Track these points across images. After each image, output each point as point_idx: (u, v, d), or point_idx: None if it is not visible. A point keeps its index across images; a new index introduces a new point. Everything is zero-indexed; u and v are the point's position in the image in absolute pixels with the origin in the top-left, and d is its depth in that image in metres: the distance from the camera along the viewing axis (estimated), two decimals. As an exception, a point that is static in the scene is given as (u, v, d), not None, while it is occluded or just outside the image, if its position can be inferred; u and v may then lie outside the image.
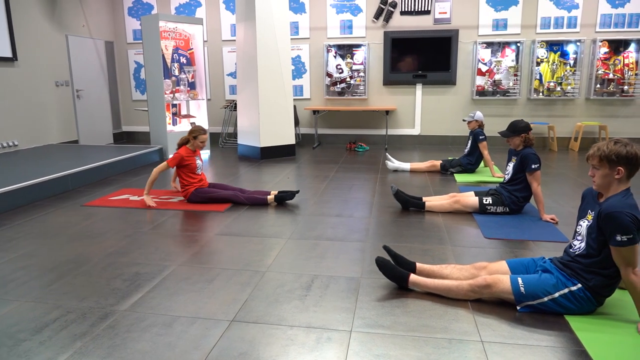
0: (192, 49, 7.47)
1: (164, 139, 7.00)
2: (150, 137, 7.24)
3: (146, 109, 7.47)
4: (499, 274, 2.37)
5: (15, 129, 6.75)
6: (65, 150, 6.76)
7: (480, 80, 7.78)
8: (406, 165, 5.79)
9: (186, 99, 7.40)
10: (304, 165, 6.34)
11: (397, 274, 2.51)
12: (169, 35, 7.16)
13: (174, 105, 7.39)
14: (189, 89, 7.42)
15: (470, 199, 3.92)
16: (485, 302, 2.39)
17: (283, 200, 4.27)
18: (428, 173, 5.67)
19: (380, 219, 3.82)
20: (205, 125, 7.49)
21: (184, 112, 7.57)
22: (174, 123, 7.40)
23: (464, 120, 5.94)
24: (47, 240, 3.42)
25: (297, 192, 4.32)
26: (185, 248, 3.20)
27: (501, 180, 5.09)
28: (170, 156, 4.42)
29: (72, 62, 7.73)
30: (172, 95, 7.17)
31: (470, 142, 5.59)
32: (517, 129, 3.76)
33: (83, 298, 2.49)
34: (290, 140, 6.95)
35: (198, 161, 4.41)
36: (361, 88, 8.09)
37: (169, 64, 7.17)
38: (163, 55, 6.91)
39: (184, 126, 7.46)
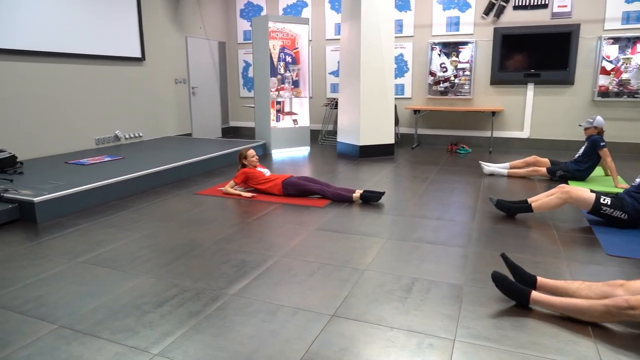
0: (297, 48, 7.72)
1: (268, 135, 7.33)
2: (255, 132, 7.63)
3: (252, 105, 7.87)
4: None
5: (140, 122, 7.51)
6: (181, 142, 7.37)
7: (603, 80, 7.04)
8: (503, 169, 5.45)
9: (290, 96, 7.67)
10: (402, 165, 6.25)
11: (516, 291, 2.31)
12: (277, 35, 7.47)
13: (278, 103, 7.69)
14: (292, 87, 7.68)
15: (584, 193, 3.54)
16: (610, 328, 2.15)
17: (368, 200, 4.27)
18: (532, 179, 5.27)
19: (484, 226, 3.65)
20: (306, 122, 7.71)
21: (287, 109, 7.85)
22: (278, 119, 7.71)
23: (580, 126, 5.42)
24: (165, 223, 3.76)
25: (383, 193, 4.30)
26: (287, 240, 3.33)
27: (621, 191, 4.57)
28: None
29: (190, 61, 8.39)
30: (277, 92, 7.47)
31: (584, 148, 5.09)
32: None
33: (197, 279, 2.70)
34: (390, 139, 6.89)
35: (261, 169, 4.73)
36: (466, 87, 7.76)
37: (275, 63, 7.48)
38: (270, 55, 7.22)
39: (287, 123, 7.75)
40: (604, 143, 4.94)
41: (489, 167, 5.55)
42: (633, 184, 3.56)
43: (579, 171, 5.07)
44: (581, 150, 5.14)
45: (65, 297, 2.51)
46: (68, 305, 2.42)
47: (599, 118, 5.08)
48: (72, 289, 2.60)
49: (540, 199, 3.79)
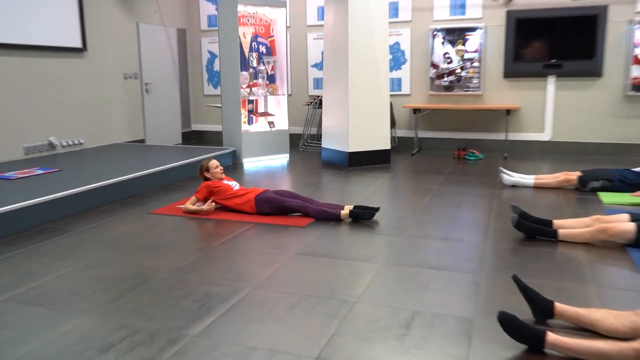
0: (273, 36, 7.78)
1: (238, 140, 7.34)
2: (222, 138, 7.63)
3: (219, 105, 7.88)
4: None
5: (81, 126, 7.47)
6: (131, 150, 7.33)
7: (637, 71, 7.23)
8: (528, 180, 5.52)
9: (264, 94, 7.71)
10: (401, 175, 6.29)
11: (527, 334, 2.31)
12: (248, 20, 7.53)
13: (251, 102, 7.73)
14: (267, 82, 7.73)
15: (622, 225, 3.63)
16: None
17: (360, 218, 4.30)
18: (560, 190, 5.36)
19: (499, 247, 3.69)
20: (285, 125, 7.74)
21: (261, 109, 7.89)
22: (250, 122, 7.74)
23: None
24: (112, 250, 3.73)
25: (377, 209, 4.35)
26: (262, 268, 3.33)
27: None
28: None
29: (142, 52, 8.40)
30: (248, 89, 7.51)
31: None
32: None
33: (150, 318, 2.68)
34: (385, 144, 6.96)
35: (228, 182, 4.78)
36: (475, 81, 7.89)
37: (246, 54, 7.53)
38: (240, 44, 7.27)
39: (261, 126, 7.77)
40: None
41: (510, 176, 5.58)
42: None
43: (630, 183, 5.06)
44: None
45: (-15, 343, 2.47)
46: (-11, 354, 2.38)
47: None
48: (-6, 333, 2.56)
49: (569, 225, 3.83)
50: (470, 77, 7.92)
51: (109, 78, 7.91)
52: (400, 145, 8.40)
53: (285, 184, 5.96)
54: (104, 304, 2.86)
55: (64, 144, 7.17)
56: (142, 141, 8.48)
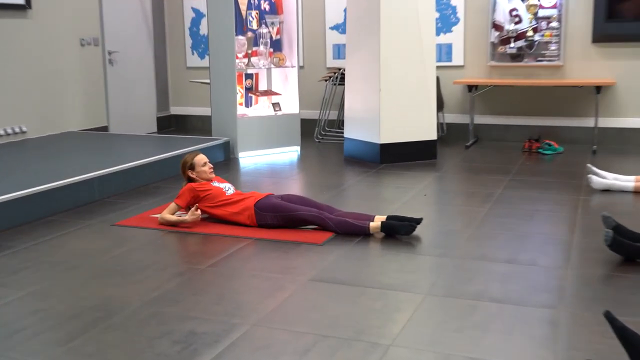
0: (279, -13, 7.80)
1: (232, 128, 7.36)
2: (211, 125, 7.66)
3: (207, 81, 7.92)
4: None
5: (23, 109, 7.55)
6: (90, 141, 7.40)
7: None
8: (627, 182, 5.47)
9: (268, 65, 7.73)
10: (450, 175, 6.25)
11: None
12: (245, -33, 7.55)
13: (249, 76, 7.74)
14: (271, 50, 7.74)
15: None
16: None
17: (395, 232, 4.29)
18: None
19: (584, 272, 3.66)
20: (295, 107, 7.76)
21: (263, 86, 7.90)
22: (248, 103, 7.75)
23: None
24: (66, 274, 3.75)
25: (419, 221, 4.35)
26: (264, 298, 3.32)
27: None
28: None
29: (105, 12, 8.48)
30: (246, 60, 7.53)
31: None
32: None
33: (115, 364, 2.70)
34: (429, 134, 6.93)
35: (219, 184, 4.80)
36: (552, 48, 7.83)
37: (243, 13, 7.54)
38: (236, 0, 7.27)
39: (263, 109, 7.79)
40: None
41: (602, 177, 5.54)
42: None
43: None
44: None
45: None
46: None
47: None
48: None
49: None
50: (547, 42, 7.86)
51: (61, 45, 7.99)
52: (449, 134, 8.36)
53: (295, 187, 5.96)
54: (54, 345, 2.87)
55: (1, 132, 7.26)
56: (105, 129, 8.55)
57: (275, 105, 7.76)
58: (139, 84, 9.05)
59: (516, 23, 7.95)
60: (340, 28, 8.71)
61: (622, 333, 2.56)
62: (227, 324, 3.03)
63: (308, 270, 3.73)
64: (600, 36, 7.70)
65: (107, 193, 5.54)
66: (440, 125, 8.27)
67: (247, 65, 7.55)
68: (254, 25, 7.66)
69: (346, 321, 3.05)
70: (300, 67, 8.52)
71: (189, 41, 9.62)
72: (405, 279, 3.57)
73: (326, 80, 8.52)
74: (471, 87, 7.99)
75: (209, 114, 7.85)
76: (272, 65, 7.76)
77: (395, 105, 6.73)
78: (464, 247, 4.12)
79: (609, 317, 2.59)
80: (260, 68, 7.71)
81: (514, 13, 7.96)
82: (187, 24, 9.58)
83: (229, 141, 7.34)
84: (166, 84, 9.72)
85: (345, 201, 5.26)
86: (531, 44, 7.92)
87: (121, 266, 3.87)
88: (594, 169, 5.64)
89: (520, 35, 7.96)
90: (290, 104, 7.82)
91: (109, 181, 5.57)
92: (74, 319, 3.13)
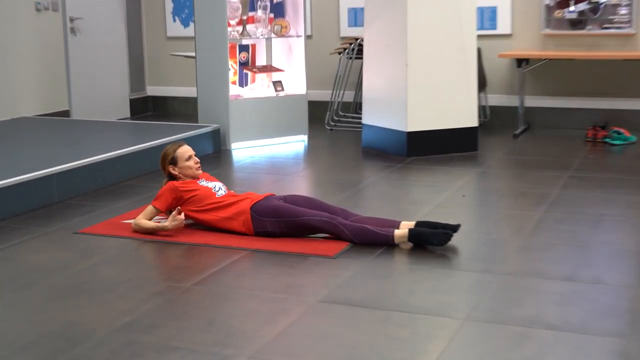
0: (281, -62, 7.80)
1: (224, 113, 7.36)
2: (197, 109, 7.67)
3: (192, 54, 7.92)
4: None
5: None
6: (48, 129, 7.42)
7: None
8: None
9: (267, 35, 7.73)
10: (495, 171, 6.22)
11: None
12: None
13: (244, 48, 7.73)
14: (272, 15, 7.75)
15: None
16: None
17: (425, 241, 4.25)
18: None
19: (664, 292, 3.64)
20: (301, 87, 7.76)
21: (261, 60, 7.89)
22: (243, 82, 7.74)
23: None
24: (18, 294, 3.74)
25: (456, 228, 4.31)
26: (263, 324, 3.31)
27: None
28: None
29: (66, -32, 8.50)
30: (240, 27, 7.53)
31: None
32: None
33: (79, 406, 2.70)
34: (469, 119, 6.92)
35: (207, 183, 4.79)
36: (623, 12, 7.79)
37: (236, -31, 7.55)
38: (227, -48, 7.29)
39: (261, 89, 7.77)
40: None
41: None
42: None
43: None
44: None
45: None
46: None
47: None
48: None
49: None
50: (615, 5, 7.83)
51: (11, 10, 7.99)
52: (494, 120, 8.35)
53: (301, 186, 5.96)
54: (4, 382, 2.88)
55: (-61, 119, 7.30)
56: (66, 114, 8.57)
57: (277, 85, 7.76)
58: (107, 59, 9.06)
59: (576, -19, 7.94)
60: (357, -12, 8.71)
61: None
62: (218, 356, 3.02)
63: (318, 290, 3.72)
64: (682, -2, 7.68)
65: (68, 193, 5.53)
66: (481, 109, 8.26)
67: (242, 34, 7.55)
68: (250, -15, 7.67)
69: (365, 353, 3.03)
70: (308, 37, 8.51)
71: (169, 5, 9.61)
72: (438, 301, 3.55)
73: (340, 53, 8.51)
74: (521, 62, 7.96)
75: (195, 95, 7.88)
76: (273, 35, 7.76)
77: (425, 84, 6.71)
78: (512, 260, 4.10)
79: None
80: (258, 38, 7.72)
81: (574, -31, 7.94)
82: (168, -16, 9.61)
83: (220, 129, 7.35)
84: (142, 58, 9.72)
85: (364, 203, 5.25)
86: (596, 8, 7.89)
87: (86, 284, 3.85)
88: None
89: (581, -3, 7.95)
90: (296, 83, 7.83)
91: (70, 178, 5.58)
92: (28, 350, 3.12)
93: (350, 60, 8.55)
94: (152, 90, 9.84)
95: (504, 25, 8.26)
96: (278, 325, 3.31)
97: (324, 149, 7.38)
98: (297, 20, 7.85)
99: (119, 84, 9.23)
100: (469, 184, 5.81)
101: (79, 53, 8.70)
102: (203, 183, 4.80)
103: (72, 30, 8.62)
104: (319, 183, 6.08)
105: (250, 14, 7.61)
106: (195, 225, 4.73)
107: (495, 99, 8.41)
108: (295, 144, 7.55)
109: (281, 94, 7.72)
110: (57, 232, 4.77)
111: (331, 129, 8.42)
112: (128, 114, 9.28)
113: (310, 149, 7.35)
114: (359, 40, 8.25)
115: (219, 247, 4.38)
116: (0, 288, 3.84)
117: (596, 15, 7.89)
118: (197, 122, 7.58)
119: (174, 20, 9.62)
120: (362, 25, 7.74)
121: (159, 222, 4.65)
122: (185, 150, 4.86)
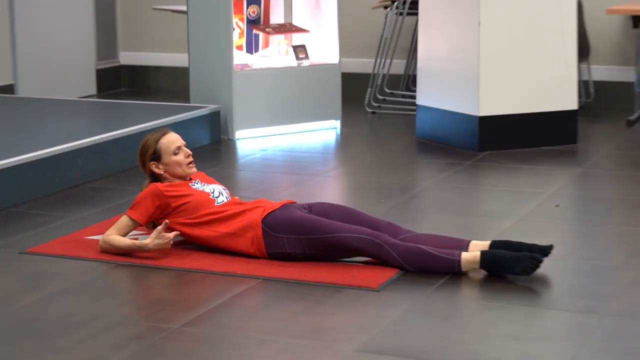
0: None
1: (225, 88, 7.46)
2: (189, 84, 7.79)
3: (183, 7, 8.01)
4: None
5: None
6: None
7: None
8: None
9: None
10: (601, 171, 6.27)
11: None
12: None
13: (255, 1, 7.83)
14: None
15: None
16: None
17: (503, 268, 4.25)
18: None
19: None
20: (334, 56, 7.84)
21: (277, 18, 7.97)
22: (252, 47, 7.82)
23: None
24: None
25: (548, 251, 4.33)
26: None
27: None
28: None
29: None
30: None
31: None
32: None
33: None
34: (565, 101, 6.98)
35: (202, 186, 4.85)
36: None
37: None
38: None
39: (275, 57, 7.84)
40: None
41: None
42: None
43: None
44: None
45: None
46: None
47: None
48: None
49: None
50: None
51: None
52: (599, 100, 8.43)
53: (331, 191, 6.03)
54: None
55: None
56: (10, 89, 8.72)
57: (299, 51, 7.82)
58: (67, 17, 9.18)
59: None
60: None
61: None
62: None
63: (355, 334, 3.73)
64: None
65: (12, 199, 5.61)
66: (583, 86, 8.32)
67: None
68: None
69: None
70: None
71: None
72: (522, 353, 3.54)
73: (386, 7, 8.58)
74: (637, 20, 8.02)
75: (186, 65, 7.97)
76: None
77: (505, 52, 6.81)
78: (626, 296, 4.11)
79: None
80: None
81: None
82: None
83: (220, 111, 7.44)
84: (113, 14, 9.84)
85: (418, 215, 5.30)
86: None
87: (36, 323, 3.88)
88: None
89: None
90: (325, 49, 7.92)
91: (16, 178, 5.67)
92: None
93: (400, 17, 8.63)
94: (126, 57, 9.94)
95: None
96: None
97: (364, 140, 7.44)
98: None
99: (81, 49, 9.32)
100: (564, 190, 5.85)
101: (28, 10, 8.82)
102: (197, 186, 4.87)
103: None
104: (357, 187, 6.12)
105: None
106: (187, 243, 4.80)
107: (601, 72, 8.46)
108: (324, 133, 7.63)
109: (305, 63, 7.80)
110: (-2, 251, 4.89)
111: (373, 112, 8.50)
112: (94, 90, 9.37)
113: (344, 140, 7.40)
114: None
115: (219, 274, 4.43)
116: None
117: None
118: (188, 102, 7.69)
119: (157, -38, 9.75)
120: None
121: (136, 238, 4.72)
122: (172, 140, 4.89)
